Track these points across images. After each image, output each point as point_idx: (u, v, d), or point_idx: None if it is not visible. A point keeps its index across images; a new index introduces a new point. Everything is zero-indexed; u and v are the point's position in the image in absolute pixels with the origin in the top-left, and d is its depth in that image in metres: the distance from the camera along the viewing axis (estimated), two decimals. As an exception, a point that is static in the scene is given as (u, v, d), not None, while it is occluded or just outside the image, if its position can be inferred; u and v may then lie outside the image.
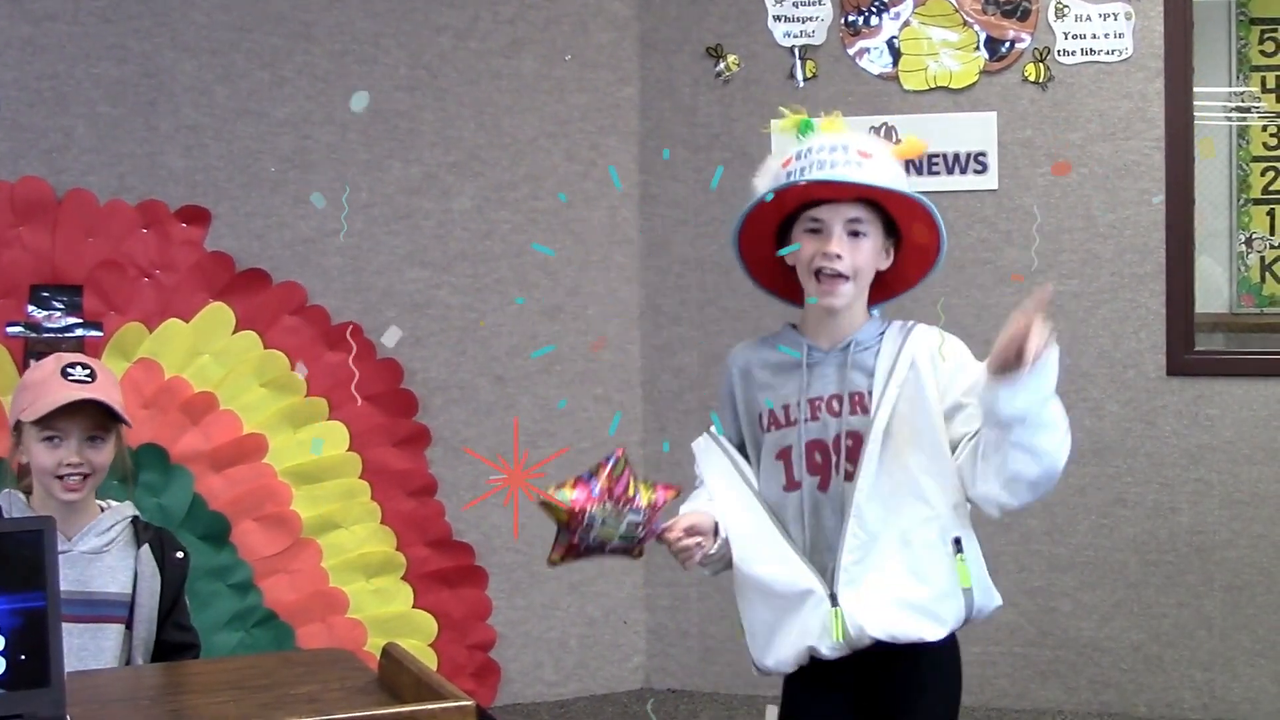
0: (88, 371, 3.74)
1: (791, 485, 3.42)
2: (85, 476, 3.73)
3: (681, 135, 6.67)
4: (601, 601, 6.70)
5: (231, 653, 5.83)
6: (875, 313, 3.57)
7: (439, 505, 6.37)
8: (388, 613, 6.23)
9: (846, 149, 3.39)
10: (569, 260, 6.63)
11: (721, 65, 6.60)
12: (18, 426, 3.77)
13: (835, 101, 6.21)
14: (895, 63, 6.43)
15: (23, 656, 2.61)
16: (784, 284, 3.59)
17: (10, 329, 5.74)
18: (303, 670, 3.20)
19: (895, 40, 6.43)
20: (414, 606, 6.29)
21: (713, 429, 3.58)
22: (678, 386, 6.61)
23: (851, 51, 6.47)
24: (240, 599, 5.95)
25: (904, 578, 3.34)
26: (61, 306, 5.80)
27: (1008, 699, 6.33)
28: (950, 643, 3.45)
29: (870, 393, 3.40)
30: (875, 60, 6.46)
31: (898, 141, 3.96)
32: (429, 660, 6.12)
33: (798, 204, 3.44)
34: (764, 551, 3.41)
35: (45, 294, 5.80)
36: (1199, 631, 6.24)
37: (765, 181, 3.49)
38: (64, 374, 3.71)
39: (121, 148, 5.99)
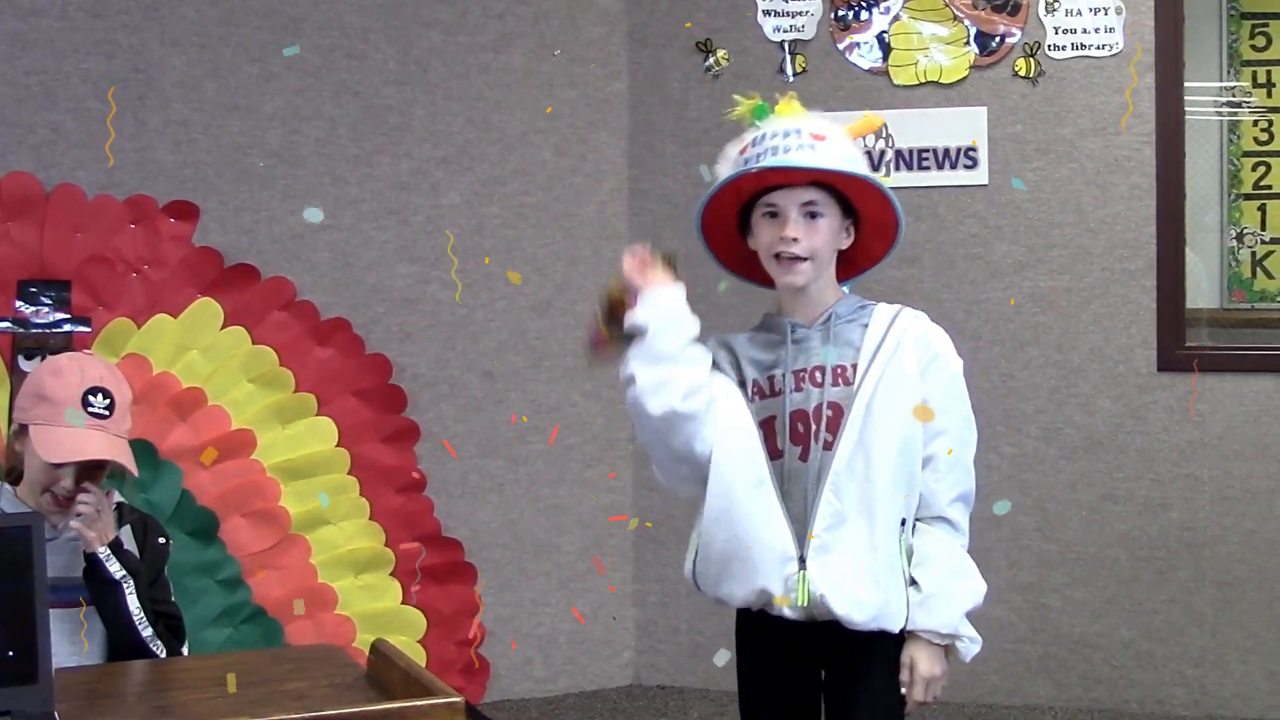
0: (107, 403, 3.72)
1: (774, 454, 3.42)
2: (72, 501, 3.70)
3: (671, 130, 6.66)
4: (591, 598, 6.69)
5: (220, 649, 5.82)
6: (845, 289, 3.59)
7: (428, 501, 6.36)
8: (377, 609, 6.22)
9: (799, 133, 3.42)
10: (558, 255, 6.62)
11: (711, 60, 6.59)
12: (23, 427, 3.75)
13: (825, 96, 6.22)
14: (885, 57, 6.42)
15: (10, 653, 2.61)
16: (753, 269, 3.61)
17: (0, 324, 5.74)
18: (292, 667, 3.19)
19: (885, 35, 6.42)
20: (403, 603, 6.28)
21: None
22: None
23: (841, 46, 6.47)
24: (228, 595, 5.94)
25: (869, 556, 3.35)
26: (49, 302, 5.78)
27: (998, 695, 6.32)
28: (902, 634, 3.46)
29: (853, 366, 3.42)
30: (865, 55, 6.45)
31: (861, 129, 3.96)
32: (418, 657, 6.11)
33: (754, 190, 3.48)
34: (749, 479, 3.39)
35: (33, 289, 5.78)
36: (1190, 628, 6.24)
37: (725, 168, 3.52)
38: (85, 403, 3.68)
39: (111, 142, 5.96)
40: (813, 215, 3.43)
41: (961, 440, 3.49)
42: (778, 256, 3.44)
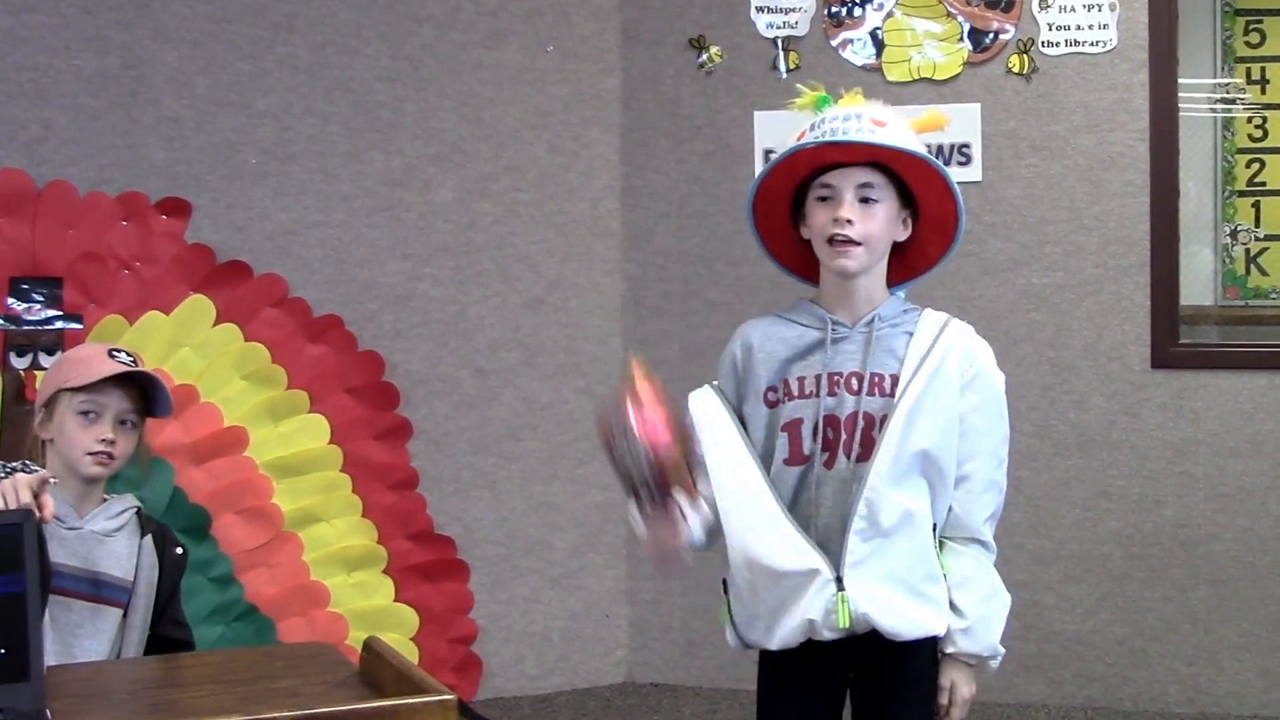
0: (131, 358, 3.85)
1: (796, 459, 3.36)
2: (111, 456, 3.78)
3: (664, 127, 6.65)
4: (583, 595, 6.68)
5: (212, 647, 5.81)
6: (900, 293, 3.54)
7: (420, 498, 6.36)
8: (369, 606, 6.21)
9: (860, 117, 3.36)
10: (550, 252, 6.61)
11: (704, 57, 6.59)
12: (52, 399, 3.80)
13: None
14: (878, 54, 6.42)
15: (2, 650, 2.59)
16: (799, 261, 3.55)
17: (-10, 321, 5.73)
18: (284, 664, 3.18)
19: (878, 31, 6.41)
20: (395, 600, 6.27)
21: (716, 383, 3.54)
22: (660, 379, 6.57)
23: (834, 43, 6.46)
24: (221, 592, 5.93)
25: (907, 570, 3.32)
26: (41, 299, 5.77)
27: (991, 693, 6.31)
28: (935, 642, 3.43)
29: (892, 376, 3.35)
30: (858, 51, 6.44)
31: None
32: (410, 654, 6.10)
33: (809, 170, 3.40)
34: (761, 521, 3.34)
35: (25, 286, 5.77)
36: (1184, 625, 6.24)
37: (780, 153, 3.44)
38: (110, 354, 3.81)
39: (102, 139, 5.96)
40: (867, 200, 3.35)
41: (996, 460, 3.47)
42: (830, 240, 3.35)
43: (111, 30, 5.99)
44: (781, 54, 6.49)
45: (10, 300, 5.73)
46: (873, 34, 6.42)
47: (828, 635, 3.31)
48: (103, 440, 3.75)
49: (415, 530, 6.33)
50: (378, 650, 2.91)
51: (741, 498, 3.36)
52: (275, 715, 2.61)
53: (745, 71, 6.51)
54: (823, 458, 3.34)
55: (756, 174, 3.47)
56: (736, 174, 6.39)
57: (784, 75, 6.43)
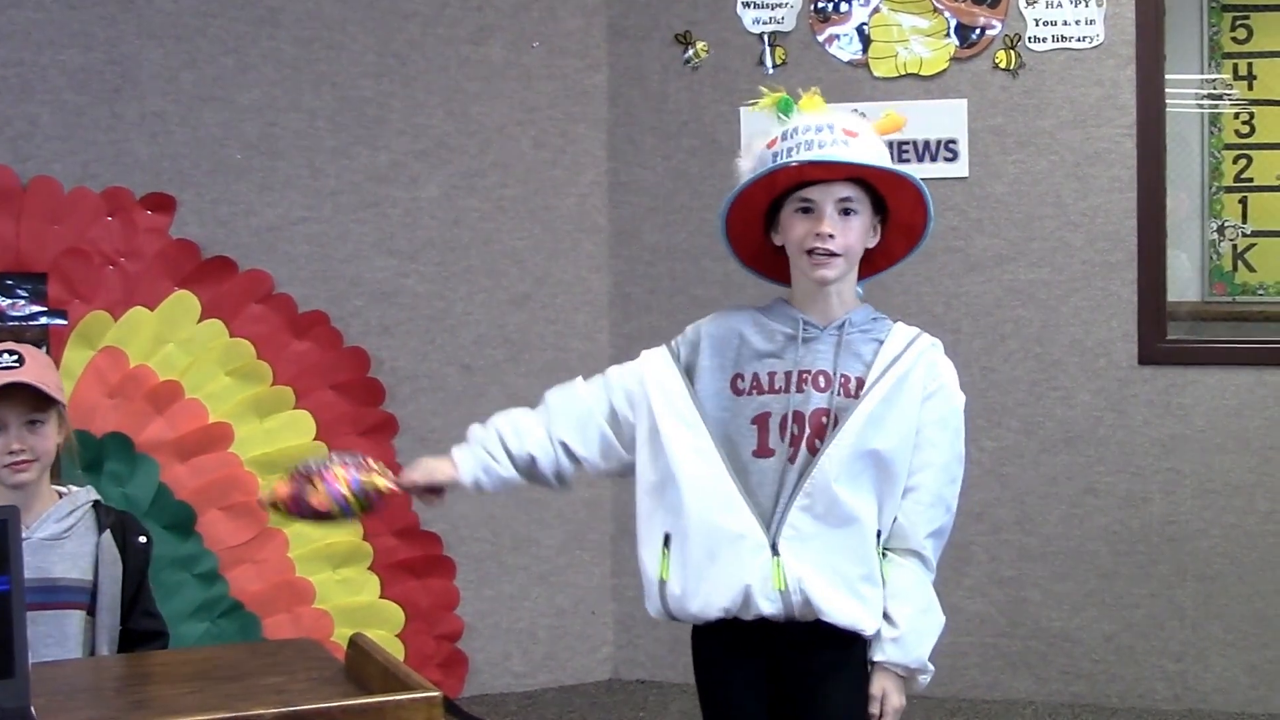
0: (15, 357, 3.70)
1: (763, 452, 3.41)
2: (30, 461, 3.69)
3: (650, 122, 6.65)
4: (570, 592, 6.68)
5: (197, 643, 5.80)
6: (859, 289, 3.58)
7: (406, 494, 6.33)
8: (354, 603, 6.20)
9: (833, 129, 3.39)
10: (537, 248, 6.60)
11: (690, 52, 6.58)
12: None
13: (805, 89, 6.20)
14: (865, 49, 6.42)
15: (-9, 647, 2.59)
16: (767, 263, 3.60)
17: (-28, 317, 5.72)
18: (269, 661, 3.18)
19: (865, 27, 6.41)
20: (381, 596, 6.26)
21: (674, 343, 3.60)
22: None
23: (821, 38, 6.46)
24: (206, 589, 5.93)
25: (846, 563, 3.35)
26: (25, 295, 5.76)
27: (978, 690, 6.32)
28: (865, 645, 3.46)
29: (859, 378, 3.41)
30: (845, 47, 6.44)
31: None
32: (396, 651, 6.09)
33: (787, 185, 3.44)
34: (720, 501, 3.38)
35: (9, 282, 5.76)
36: (1171, 622, 6.24)
37: (749, 163, 3.49)
38: None
39: (86, 135, 5.94)
40: (847, 212, 3.41)
41: (948, 476, 3.49)
42: (810, 251, 3.41)
43: (96, 25, 5.97)
44: (768, 49, 6.48)
45: (-5, 296, 5.73)
46: (859, 29, 6.42)
47: (765, 606, 3.33)
48: (11, 453, 3.67)
49: (401, 526, 6.31)
50: (363, 647, 2.91)
51: (699, 479, 3.40)
52: (260, 712, 2.60)
53: (731, 67, 6.51)
54: (789, 452, 3.39)
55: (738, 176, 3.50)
56: (723, 170, 6.32)
57: (770, 71, 6.43)
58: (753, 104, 3.60)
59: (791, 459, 3.38)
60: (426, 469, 3.76)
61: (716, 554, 3.36)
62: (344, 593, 6.20)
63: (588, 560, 6.68)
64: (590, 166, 6.69)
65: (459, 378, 6.50)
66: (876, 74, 6.40)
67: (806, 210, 3.42)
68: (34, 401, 3.70)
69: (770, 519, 3.35)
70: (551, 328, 6.61)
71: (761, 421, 3.42)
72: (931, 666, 3.46)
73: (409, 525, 6.35)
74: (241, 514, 6.01)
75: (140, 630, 3.82)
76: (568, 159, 6.66)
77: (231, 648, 4.52)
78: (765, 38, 6.49)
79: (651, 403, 3.50)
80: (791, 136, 3.40)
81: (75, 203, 5.88)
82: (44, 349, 5.61)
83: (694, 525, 3.38)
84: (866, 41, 6.41)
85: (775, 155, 3.40)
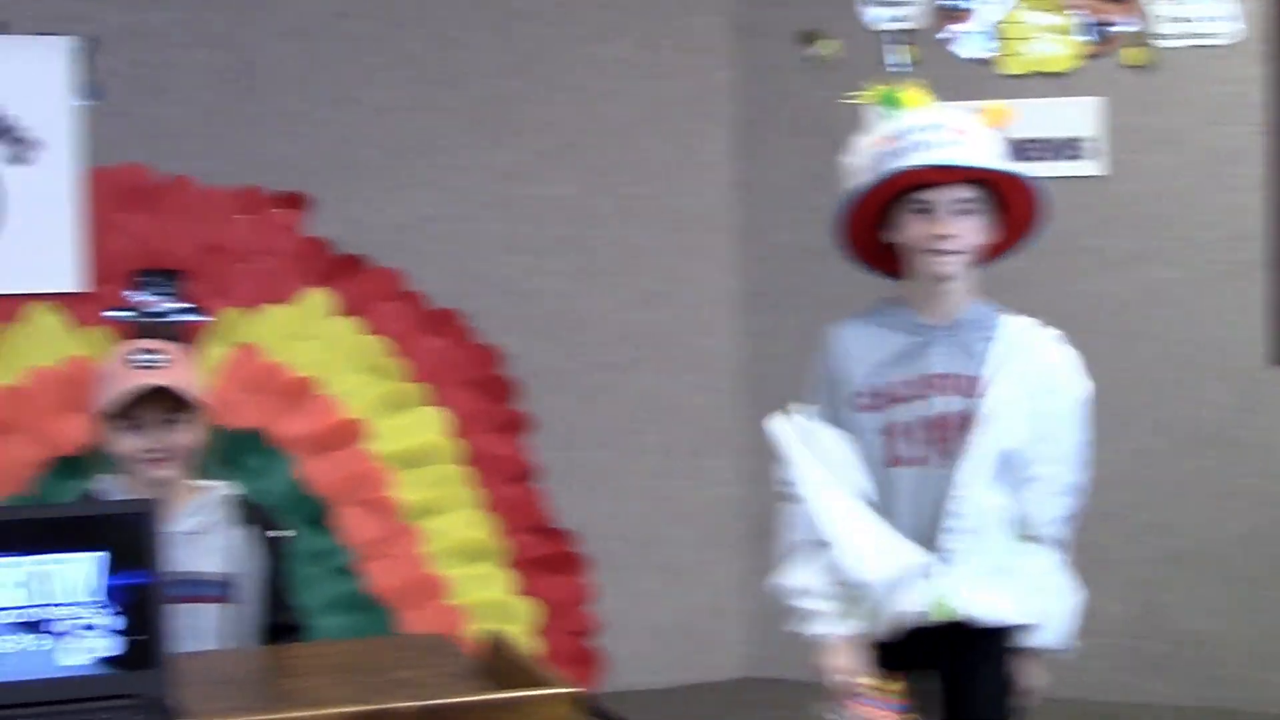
0: (156, 356, 3.72)
1: (894, 462, 3.44)
2: (167, 458, 3.72)
3: (778, 120, 6.64)
4: (704, 589, 6.69)
5: (333, 636, 5.84)
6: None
7: (541, 492, 6.37)
8: (488, 599, 6.22)
9: (944, 127, 3.42)
10: (666, 247, 6.61)
11: (817, 50, 6.57)
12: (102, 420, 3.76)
13: (932, 86, 6.16)
14: (994, 47, 6.38)
15: (137, 636, 2.62)
16: (880, 259, 3.59)
17: (113, 314, 5.78)
18: (405, 655, 3.20)
19: (994, 24, 6.38)
20: (514, 593, 6.29)
21: (808, 411, 3.59)
22: (777, 374, 6.56)
23: (949, 35, 6.43)
24: (341, 583, 5.97)
25: (988, 558, 3.39)
26: (167, 292, 5.83)
27: (1112, 692, 6.25)
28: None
29: (980, 378, 3.42)
30: (973, 44, 6.41)
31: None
32: (530, 647, 6.11)
33: (902, 185, 3.43)
34: (868, 529, 3.43)
35: (150, 279, 5.83)
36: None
37: (859, 160, 3.51)
38: (130, 361, 3.70)
39: (218, 134, 6.02)
40: (964, 212, 3.41)
41: (1076, 463, 3.53)
42: (929, 250, 3.41)
43: (230, 27, 6.05)
44: (895, 47, 6.46)
45: (138, 293, 5.79)
46: (988, 27, 6.38)
47: (925, 622, 3.39)
48: (148, 451, 3.70)
49: (536, 523, 6.34)
50: (500, 642, 2.92)
51: (854, 536, 3.43)
52: (398, 705, 2.63)
53: (859, 65, 6.48)
54: (922, 459, 3.43)
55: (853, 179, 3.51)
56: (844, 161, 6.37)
57: (899, 68, 6.40)
58: (854, 97, 3.61)
59: (924, 465, 3.41)
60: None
61: (881, 590, 3.42)
62: (478, 589, 6.21)
63: (721, 558, 6.68)
64: (718, 165, 6.69)
65: (589, 375, 6.52)
66: (1005, 72, 6.36)
67: (923, 211, 3.42)
68: (172, 400, 3.74)
69: (916, 531, 3.39)
70: (680, 326, 6.62)
71: (891, 432, 3.45)
72: (1072, 644, 3.51)
73: (544, 523, 6.37)
74: (376, 509, 6.05)
75: (278, 623, 3.85)
76: (696, 157, 6.66)
77: (367, 642, 4.53)
78: (893, 35, 6.47)
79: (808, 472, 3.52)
80: (904, 136, 3.42)
81: (209, 201, 5.95)
82: (187, 345, 5.66)
83: (855, 565, 3.44)
84: (995, 39, 6.38)
85: (884, 156, 3.41)
